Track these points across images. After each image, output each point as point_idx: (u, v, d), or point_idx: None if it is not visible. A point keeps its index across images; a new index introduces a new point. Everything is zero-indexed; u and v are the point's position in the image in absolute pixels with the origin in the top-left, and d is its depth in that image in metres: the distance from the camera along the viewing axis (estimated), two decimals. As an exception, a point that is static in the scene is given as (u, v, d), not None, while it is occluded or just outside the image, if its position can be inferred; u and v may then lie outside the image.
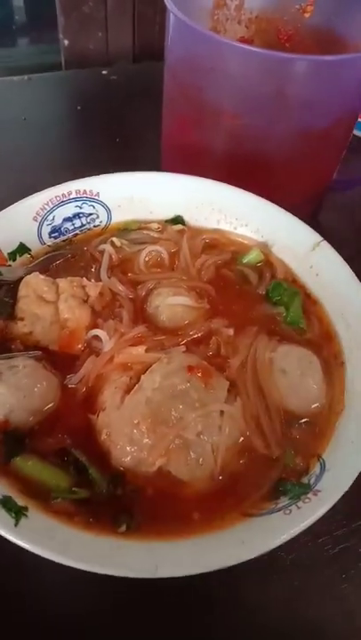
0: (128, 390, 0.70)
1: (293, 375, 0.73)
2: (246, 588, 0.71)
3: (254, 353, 0.77)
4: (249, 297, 0.87)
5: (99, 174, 0.92)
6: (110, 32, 1.66)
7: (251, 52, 0.87)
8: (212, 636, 0.68)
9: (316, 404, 0.73)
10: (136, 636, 0.68)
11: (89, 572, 0.56)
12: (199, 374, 0.70)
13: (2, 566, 0.69)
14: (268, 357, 0.76)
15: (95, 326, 0.77)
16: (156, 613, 0.69)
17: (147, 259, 0.90)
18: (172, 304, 0.81)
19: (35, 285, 0.78)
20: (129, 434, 0.66)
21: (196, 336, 0.80)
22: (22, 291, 0.78)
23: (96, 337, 0.76)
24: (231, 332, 0.79)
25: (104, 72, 1.56)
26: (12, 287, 0.80)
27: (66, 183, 0.90)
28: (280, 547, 0.59)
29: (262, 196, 0.92)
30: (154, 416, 0.66)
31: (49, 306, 0.77)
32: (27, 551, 0.57)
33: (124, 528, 0.62)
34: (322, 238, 0.86)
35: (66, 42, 1.62)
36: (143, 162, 0.98)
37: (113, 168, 0.94)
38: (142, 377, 0.70)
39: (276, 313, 0.84)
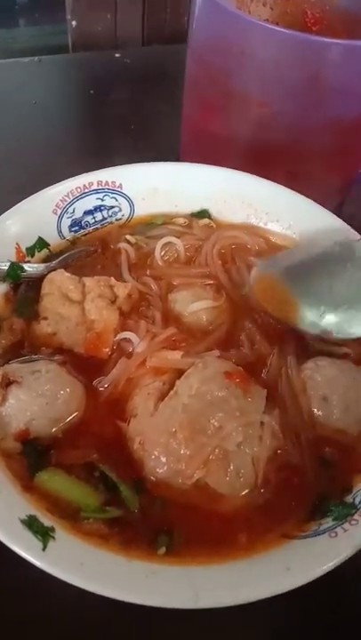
0: (161, 396, 0.66)
1: (337, 392, 0.68)
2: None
3: (288, 361, 0.72)
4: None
5: (114, 162, 0.88)
6: (119, 14, 1.60)
7: (285, 34, 0.82)
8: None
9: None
10: None
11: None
12: (238, 380, 0.65)
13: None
14: (304, 368, 0.71)
15: (124, 329, 0.73)
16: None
17: (162, 253, 0.85)
18: (193, 311, 0.77)
19: (60, 283, 0.73)
20: (165, 443, 0.61)
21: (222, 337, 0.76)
22: (46, 288, 0.74)
23: (126, 340, 0.72)
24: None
25: (117, 55, 1.49)
26: (34, 284, 0.75)
27: (87, 174, 0.85)
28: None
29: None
30: (191, 424, 0.61)
31: (74, 306, 0.72)
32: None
33: (163, 550, 0.57)
34: (360, 237, 0.81)
35: (74, 23, 1.56)
36: (160, 149, 0.95)
37: (128, 156, 0.89)
38: (177, 382, 0.66)
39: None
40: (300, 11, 1.11)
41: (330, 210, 0.86)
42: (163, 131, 1.18)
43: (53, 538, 0.55)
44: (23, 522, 0.55)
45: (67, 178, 0.84)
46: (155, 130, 1.26)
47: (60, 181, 0.83)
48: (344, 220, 0.84)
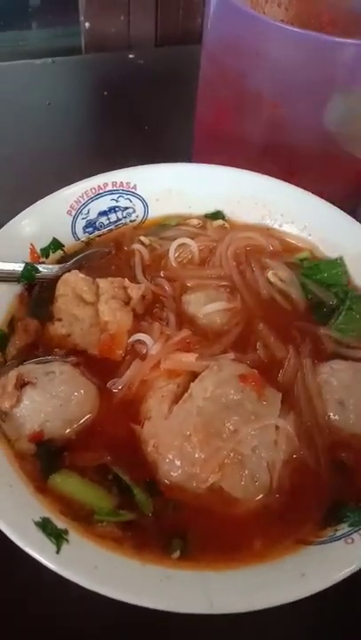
0: (176, 399, 0.65)
1: (354, 396, 0.67)
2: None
3: (303, 364, 0.72)
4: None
5: (127, 163, 0.88)
6: (133, 16, 1.60)
7: (302, 35, 0.81)
8: None
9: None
10: None
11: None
12: (252, 383, 0.65)
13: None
14: (320, 372, 0.71)
15: (137, 330, 0.72)
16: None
17: (176, 255, 0.84)
18: (207, 313, 0.77)
19: (74, 284, 0.73)
20: (179, 446, 0.61)
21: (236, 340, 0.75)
22: (60, 289, 0.74)
23: (140, 342, 0.71)
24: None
25: (131, 56, 1.49)
26: (48, 285, 0.75)
27: (101, 175, 0.85)
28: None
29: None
30: (206, 428, 0.61)
31: (88, 307, 0.72)
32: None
33: (177, 554, 0.57)
34: (377, 238, 0.81)
35: (87, 24, 1.57)
36: (173, 150, 0.94)
37: (141, 156, 0.89)
38: (192, 385, 0.65)
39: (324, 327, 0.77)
40: (314, 12, 1.10)
41: (346, 212, 0.85)
42: (176, 131, 1.18)
43: (67, 540, 0.55)
44: (37, 524, 0.55)
45: (81, 178, 0.84)
46: (168, 130, 1.25)
47: (74, 182, 0.83)
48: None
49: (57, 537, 0.55)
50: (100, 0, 1.51)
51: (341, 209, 0.86)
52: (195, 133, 1.11)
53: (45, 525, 0.56)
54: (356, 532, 0.58)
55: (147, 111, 1.31)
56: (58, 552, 0.53)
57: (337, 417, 0.67)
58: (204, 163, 0.92)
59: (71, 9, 1.55)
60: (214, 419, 0.62)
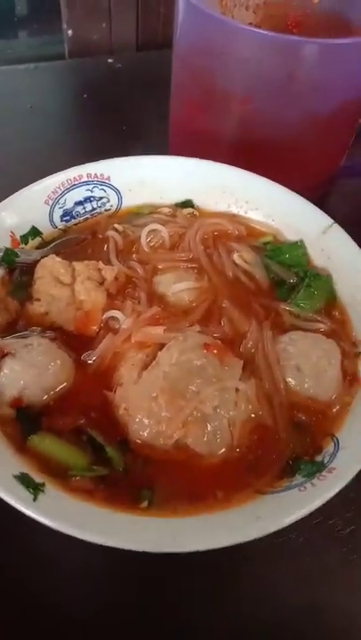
0: (145, 367, 0.70)
1: (309, 362, 0.73)
2: (257, 566, 0.71)
3: (264, 335, 0.77)
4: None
5: (108, 160, 0.92)
6: (114, 23, 1.65)
7: (263, 35, 0.86)
8: (220, 610, 0.69)
9: (334, 395, 0.73)
10: (145, 610, 0.68)
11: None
12: (215, 351, 0.70)
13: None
14: (279, 341, 0.76)
15: (111, 308, 0.78)
16: (163, 589, 0.69)
17: (148, 239, 0.89)
18: (176, 291, 0.82)
19: (51, 267, 0.78)
20: (147, 407, 0.66)
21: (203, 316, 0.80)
22: (39, 272, 0.79)
23: (113, 318, 0.77)
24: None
25: (110, 60, 1.55)
26: (27, 269, 0.80)
27: (77, 167, 0.90)
28: (292, 527, 0.59)
29: (271, 181, 0.91)
30: (172, 390, 0.66)
31: (65, 288, 0.77)
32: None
33: (145, 504, 0.62)
34: (333, 221, 0.86)
35: (70, 32, 1.62)
36: (150, 150, 0.98)
37: (120, 155, 0.93)
38: (159, 353, 0.71)
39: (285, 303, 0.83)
40: (281, 14, 1.16)
41: (314, 202, 0.90)
42: (153, 131, 1.23)
43: (43, 491, 0.60)
44: (16, 477, 0.60)
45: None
46: (145, 130, 1.30)
47: (52, 176, 0.89)
48: (327, 213, 0.88)
49: (34, 488, 0.60)
50: (83, 8, 1.56)
51: (312, 199, 0.90)
52: (170, 132, 1.15)
53: (24, 478, 0.61)
54: (309, 481, 0.63)
55: (125, 112, 1.37)
56: (35, 500, 0.59)
57: (294, 381, 0.72)
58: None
59: (56, 18, 1.59)
60: (179, 382, 0.67)
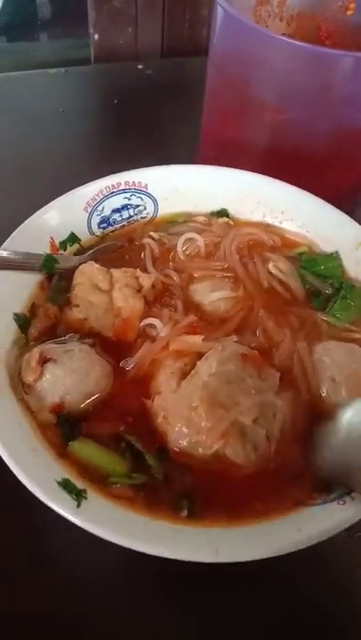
0: (183, 376, 0.71)
1: (345, 372, 0.73)
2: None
3: (299, 346, 0.77)
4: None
5: (136, 167, 0.93)
6: (140, 28, 1.66)
7: (300, 47, 0.87)
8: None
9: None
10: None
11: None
12: (253, 362, 0.70)
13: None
14: (314, 351, 0.76)
15: (148, 316, 0.78)
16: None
17: (184, 248, 0.90)
18: (213, 300, 0.82)
19: (90, 274, 0.79)
20: (187, 417, 0.66)
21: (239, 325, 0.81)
22: (77, 278, 0.79)
23: (150, 325, 0.77)
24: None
25: (140, 66, 1.56)
26: (65, 275, 0.81)
27: (115, 175, 0.91)
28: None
29: (303, 191, 0.92)
30: (211, 400, 0.66)
31: (103, 294, 0.78)
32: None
33: (185, 513, 0.62)
34: (368, 233, 0.87)
35: (96, 36, 1.63)
36: (180, 154, 0.99)
37: (149, 162, 0.94)
38: (198, 363, 0.71)
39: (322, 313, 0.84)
40: (314, 25, 1.17)
41: (347, 213, 0.90)
42: (182, 137, 1.24)
43: (86, 498, 0.61)
44: (59, 483, 0.61)
45: (95, 179, 0.90)
46: (174, 136, 1.32)
47: (89, 182, 0.89)
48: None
49: (77, 494, 0.61)
50: (109, 12, 1.58)
51: (341, 208, 0.91)
52: (200, 139, 1.16)
53: (66, 484, 0.61)
54: (347, 494, 0.63)
55: (154, 119, 1.38)
56: (78, 507, 0.59)
57: (329, 392, 0.72)
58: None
59: (80, 22, 1.61)
60: (218, 392, 0.67)
